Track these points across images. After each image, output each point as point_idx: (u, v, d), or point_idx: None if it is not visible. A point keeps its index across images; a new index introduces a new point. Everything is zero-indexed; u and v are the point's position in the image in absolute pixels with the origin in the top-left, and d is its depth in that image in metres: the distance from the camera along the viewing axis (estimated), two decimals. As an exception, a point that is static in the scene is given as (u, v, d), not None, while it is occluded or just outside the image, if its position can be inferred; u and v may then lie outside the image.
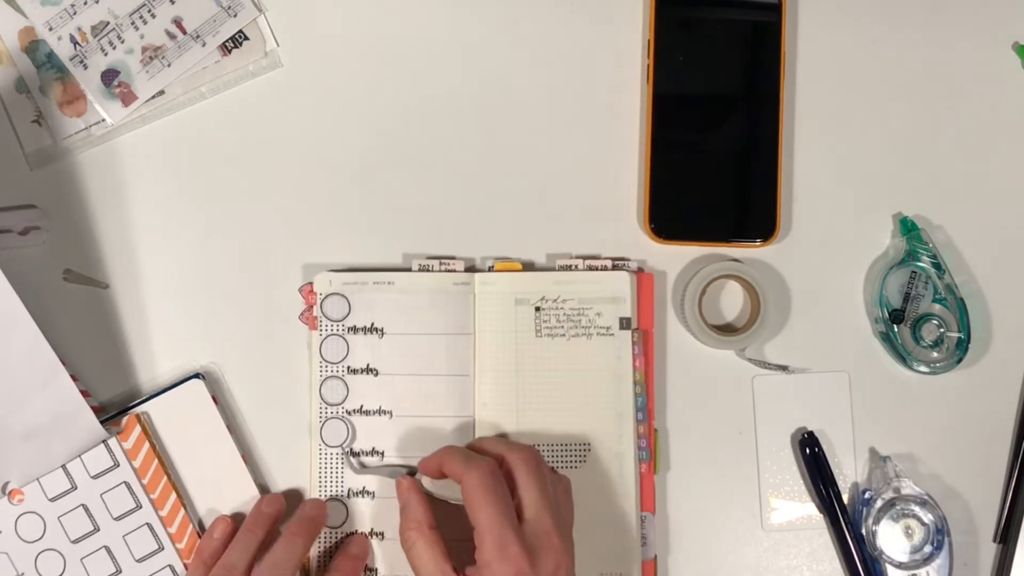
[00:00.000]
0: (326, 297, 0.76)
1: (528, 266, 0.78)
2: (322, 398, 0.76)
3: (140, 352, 0.77)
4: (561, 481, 0.72)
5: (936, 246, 0.77)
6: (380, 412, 0.76)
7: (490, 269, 0.77)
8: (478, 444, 0.73)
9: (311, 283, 0.77)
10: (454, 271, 0.77)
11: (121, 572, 0.74)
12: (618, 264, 0.78)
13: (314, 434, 0.76)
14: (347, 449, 0.75)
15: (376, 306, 0.76)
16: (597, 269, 0.77)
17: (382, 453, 0.76)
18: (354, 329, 0.76)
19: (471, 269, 0.77)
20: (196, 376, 0.76)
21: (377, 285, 0.76)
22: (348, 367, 0.76)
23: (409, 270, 0.77)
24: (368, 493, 0.76)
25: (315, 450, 0.76)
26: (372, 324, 0.76)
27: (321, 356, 0.76)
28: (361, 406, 0.76)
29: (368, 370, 0.76)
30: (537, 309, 0.76)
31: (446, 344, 0.76)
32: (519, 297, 0.76)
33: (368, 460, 0.76)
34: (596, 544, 0.74)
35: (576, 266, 0.77)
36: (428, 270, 0.77)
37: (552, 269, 0.77)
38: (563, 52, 0.79)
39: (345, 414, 0.76)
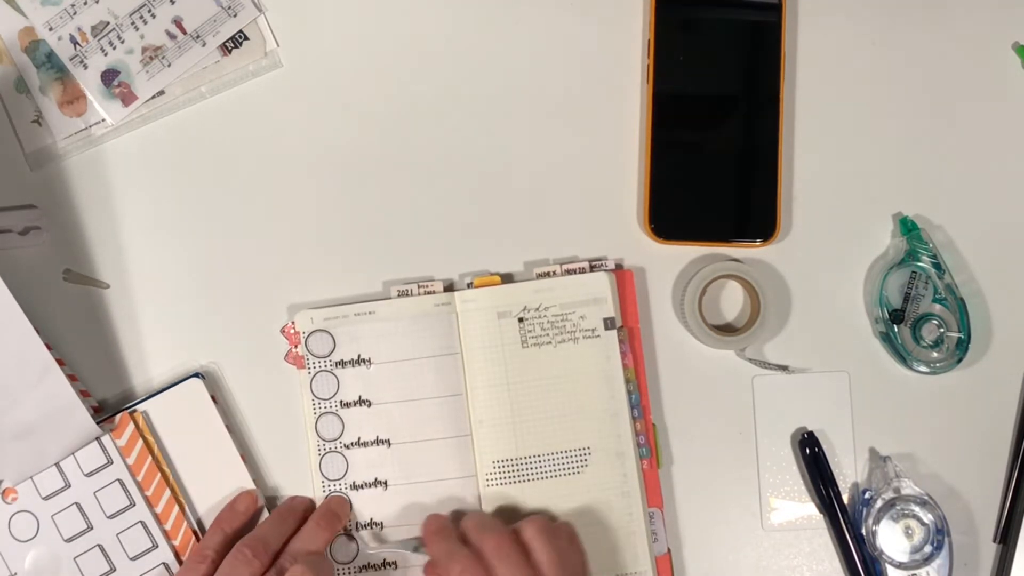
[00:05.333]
0: (309, 335, 0.76)
1: (507, 278, 0.78)
2: (319, 435, 0.76)
3: (140, 352, 0.77)
4: (564, 530, 0.72)
5: (936, 246, 0.77)
6: (378, 442, 0.76)
7: (469, 286, 0.77)
8: (469, 524, 0.72)
9: (293, 323, 0.77)
10: (434, 292, 0.77)
11: (115, 571, 0.74)
12: (595, 264, 0.77)
13: (314, 471, 0.76)
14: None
15: (361, 337, 0.76)
16: (575, 272, 0.77)
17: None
18: (341, 363, 0.76)
19: (450, 288, 0.77)
20: (195, 375, 0.76)
21: (359, 316, 0.76)
22: (340, 401, 0.76)
23: (388, 297, 0.77)
24: (376, 524, 0.76)
25: (318, 487, 0.76)
26: (359, 356, 0.76)
27: (312, 394, 0.76)
28: (358, 439, 0.76)
29: (361, 402, 0.76)
30: (520, 320, 0.76)
31: (435, 366, 0.76)
32: (501, 310, 0.76)
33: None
34: (608, 547, 0.75)
35: (554, 272, 0.77)
36: (408, 295, 0.77)
37: (531, 278, 0.77)
38: (563, 52, 0.79)
39: (343, 448, 0.76)
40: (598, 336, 0.76)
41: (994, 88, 0.80)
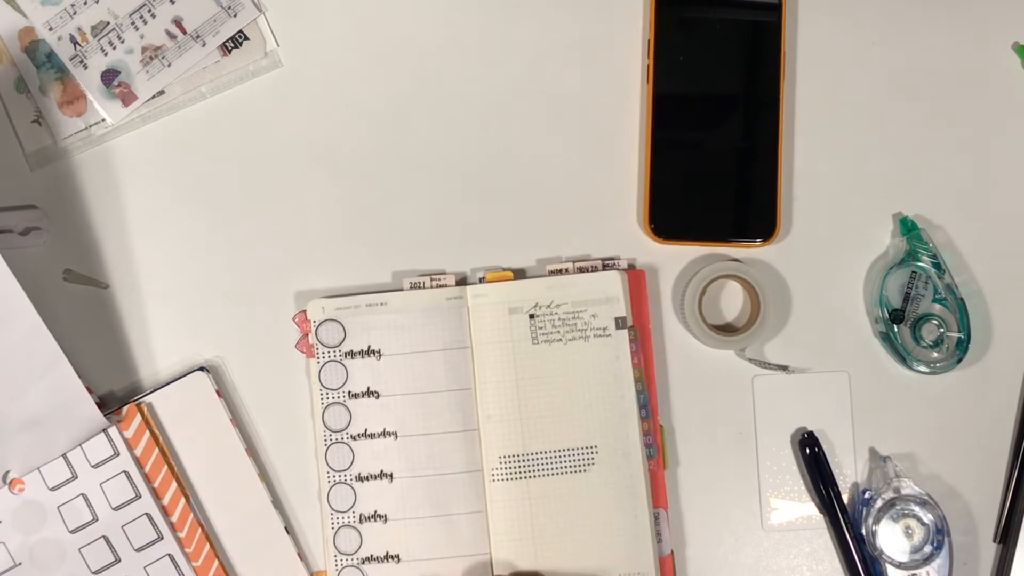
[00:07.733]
0: (320, 324, 0.76)
1: (519, 274, 0.78)
2: (325, 425, 0.76)
3: (141, 352, 0.77)
4: None
5: (936, 246, 0.77)
6: (385, 434, 0.76)
7: (481, 280, 0.77)
8: None
9: (304, 311, 0.77)
10: (446, 286, 0.77)
11: (120, 561, 0.74)
12: (608, 264, 0.77)
13: (320, 461, 0.76)
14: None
15: (371, 328, 0.76)
16: (588, 271, 0.77)
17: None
18: (351, 353, 0.76)
19: (462, 282, 0.77)
20: (200, 369, 0.76)
21: (370, 307, 0.76)
22: (349, 392, 0.76)
23: (401, 289, 0.77)
24: (380, 517, 0.76)
25: (323, 477, 0.76)
26: (369, 347, 0.76)
27: (320, 383, 0.76)
28: (365, 430, 0.76)
29: (369, 393, 0.76)
30: (532, 316, 0.76)
31: (444, 360, 0.76)
32: (513, 306, 0.76)
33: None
34: (611, 546, 0.75)
35: (567, 270, 0.77)
36: (420, 287, 0.77)
37: (543, 275, 0.77)
38: (563, 52, 0.79)
39: (350, 439, 0.76)
40: (609, 335, 0.76)
41: (994, 88, 0.80)
